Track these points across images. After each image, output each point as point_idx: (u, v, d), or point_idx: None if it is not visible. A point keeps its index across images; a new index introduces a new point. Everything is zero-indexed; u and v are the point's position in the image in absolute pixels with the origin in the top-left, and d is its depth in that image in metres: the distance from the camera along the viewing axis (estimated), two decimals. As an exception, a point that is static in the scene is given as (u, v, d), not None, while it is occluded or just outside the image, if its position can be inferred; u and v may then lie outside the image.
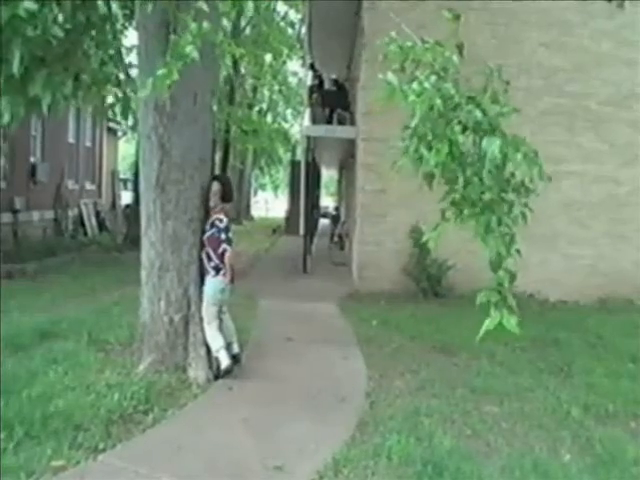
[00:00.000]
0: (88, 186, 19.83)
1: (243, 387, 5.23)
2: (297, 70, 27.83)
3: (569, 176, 10.26)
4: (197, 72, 5.40)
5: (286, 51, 24.09)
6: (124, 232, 17.17)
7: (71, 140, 18.46)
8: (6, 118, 4.96)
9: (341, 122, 12.46)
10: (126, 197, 22.58)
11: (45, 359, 5.44)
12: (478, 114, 3.20)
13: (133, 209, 15.74)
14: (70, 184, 17.82)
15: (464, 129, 3.21)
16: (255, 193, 48.51)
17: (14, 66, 4.59)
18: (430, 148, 3.22)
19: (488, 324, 3.23)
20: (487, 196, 3.29)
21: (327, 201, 38.96)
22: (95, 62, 5.74)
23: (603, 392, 5.31)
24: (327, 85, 13.86)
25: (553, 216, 10.08)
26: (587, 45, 10.43)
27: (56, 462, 3.60)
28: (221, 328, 5.47)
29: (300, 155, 17.01)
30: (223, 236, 5.40)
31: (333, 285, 11.04)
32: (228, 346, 5.46)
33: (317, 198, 20.79)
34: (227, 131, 22.50)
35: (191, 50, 3.90)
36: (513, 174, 3.35)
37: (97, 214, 19.43)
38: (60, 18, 5.03)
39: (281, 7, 23.08)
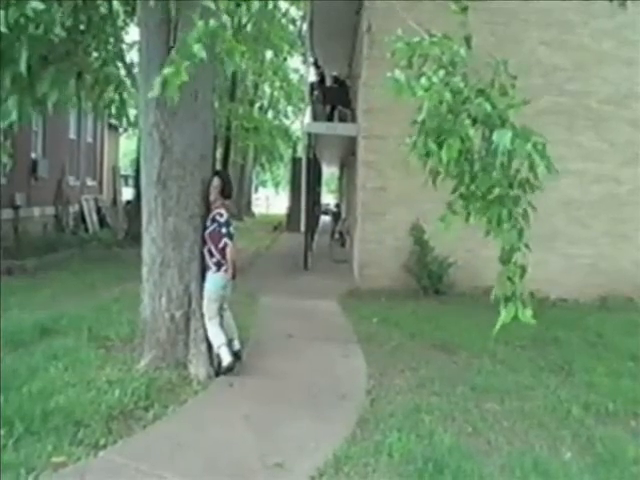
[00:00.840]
0: (89, 182, 19.81)
1: (244, 384, 5.23)
2: (298, 67, 27.83)
3: (569, 175, 10.21)
4: (198, 69, 5.41)
5: (287, 48, 24.06)
6: (125, 228, 17.16)
7: (72, 136, 18.43)
8: (14, 117, 4.97)
9: (342, 119, 12.46)
10: (127, 193, 22.60)
11: (45, 355, 5.44)
12: (488, 107, 3.19)
13: (134, 205, 15.72)
14: (71, 180, 17.79)
15: (474, 122, 3.20)
16: (256, 190, 48.49)
17: (21, 65, 4.60)
18: (439, 144, 3.21)
19: (504, 317, 3.24)
20: (496, 190, 3.29)
21: (328, 198, 38.96)
22: (97, 62, 5.77)
23: (603, 391, 5.31)
24: (328, 82, 13.84)
25: (553, 215, 10.08)
26: (587, 44, 10.41)
27: (56, 458, 3.60)
28: (222, 325, 5.47)
29: (301, 152, 17.00)
30: (224, 230, 5.40)
31: (334, 282, 11.03)
32: (229, 343, 5.46)
33: (318, 195, 20.77)
34: (228, 128, 22.49)
35: (199, 49, 3.85)
36: (518, 170, 3.35)
37: (98, 210, 19.40)
38: (62, 18, 5.05)
39: (282, 4, 23.03)
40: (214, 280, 5.41)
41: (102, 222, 19.32)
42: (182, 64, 3.77)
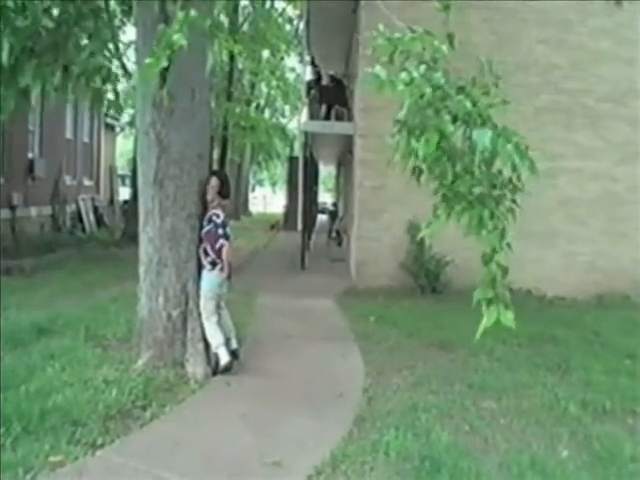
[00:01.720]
0: (86, 182, 19.76)
1: (241, 383, 5.23)
2: (295, 66, 27.79)
3: (566, 173, 10.28)
4: (194, 68, 5.40)
5: (284, 47, 24.04)
6: (122, 228, 17.14)
7: (69, 136, 18.39)
8: None
9: (339, 118, 12.46)
10: (124, 193, 22.54)
11: (43, 355, 5.44)
12: (468, 104, 3.18)
13: (131, 205, 15.72)
14: (68, 180, 17.75)
15: (454, 119, 3.19)
16: (253, 189, 48.48)
17: (3, 57, 4.56)
18: (420, 141, 3.20)
19: (486, 322, 3.22)
20: (477, 190, 3.28)
21: (325, 197, 38.98)
22: (84, 53, 5.68)
23: (601, 389, 5.31)
24: (325, 81, 13.84)
25: (550, 213, 10.11)
26: (585, 42, 10.43)
27: (54, 458, 3.60)
28: (219, 324, 5.47)
29: (298, 151, 17.00)
30: (220, 231, 5.40)
31: (331, 281, 11.04)
32: (226, 342, 5.47)
33: (315, 194, 20.77)
34: (225, 127, 22.46)
35: (179, 38, 3.83)
36: (501, 171, 3.34)
37: (95, 210, 19.37)
38: (51, 9, 5.01)
39: (279, 3, 23.04)
40: (209, 279, 5.41)
41: (99, 222, 19.28)
42: (163, 53, 3.75)
